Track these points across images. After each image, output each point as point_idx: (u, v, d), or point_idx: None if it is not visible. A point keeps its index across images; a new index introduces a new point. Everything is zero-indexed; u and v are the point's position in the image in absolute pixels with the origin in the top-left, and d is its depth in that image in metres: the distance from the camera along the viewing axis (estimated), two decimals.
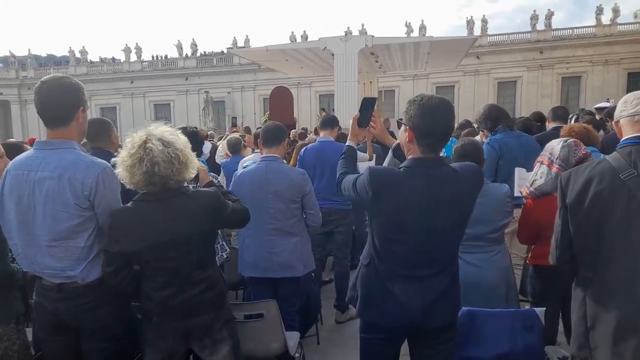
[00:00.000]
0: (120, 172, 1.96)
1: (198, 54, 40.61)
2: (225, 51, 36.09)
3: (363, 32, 31.50)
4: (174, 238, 1.95)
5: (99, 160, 2.02)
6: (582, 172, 1.79)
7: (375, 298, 1.98)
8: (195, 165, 2.09)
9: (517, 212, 2.93)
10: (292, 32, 37.16)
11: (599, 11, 32.24)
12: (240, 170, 3.35)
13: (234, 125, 13.62)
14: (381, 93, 23.03)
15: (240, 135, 6.60)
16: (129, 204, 2.02)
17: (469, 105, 31.83)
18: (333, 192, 4.12)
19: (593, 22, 32.64)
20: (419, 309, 1.90)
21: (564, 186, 1.82)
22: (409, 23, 34.66)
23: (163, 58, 41.89)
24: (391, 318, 1.94)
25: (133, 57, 40.71)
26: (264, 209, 3.06)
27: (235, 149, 5.45)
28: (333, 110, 16.29)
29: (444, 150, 2.74)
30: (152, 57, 42.59)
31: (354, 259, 5.26)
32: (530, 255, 2.84)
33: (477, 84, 34.01)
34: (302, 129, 11.77)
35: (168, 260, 1.96)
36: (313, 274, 3.92)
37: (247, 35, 38.62)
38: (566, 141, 2.73)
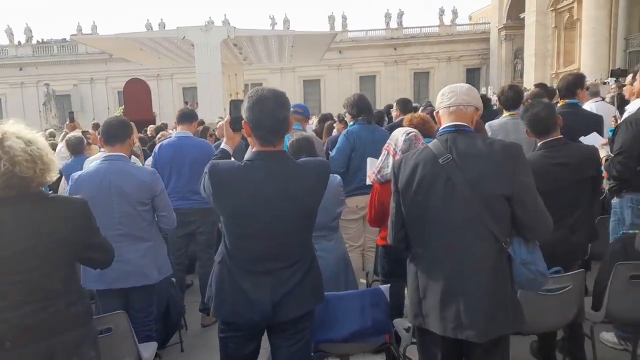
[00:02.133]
0: None
1: (34, 42, 35.47)
2: (69, 38, 32.19)
3: (226, 22, 30.86)
4: (23, 249, 1.72)
5: None
6: (410, 159, 1.97)
7: (227, 295, 1.95)
8: (57, 167, 1.87)
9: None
10: (148, 20, 34.69)
11: (441, 12, 36.38)
12: (77, 172, 2.96)
13: (72, 120, 12.09)
14: (247, 86, 22.83)
15: (83, 132, 5.88)
16: None
17: (334, 98, 33.39)
18: (192, 190, 3.96)
19: (437, 22, 36.68)
20: (268, 304, 1.89)
21: (396, 172, 2.00)
22: (273, 16, 35.03)
23: None
24: (243, 315, 1.93)
25: None
26: (108, 214, 2.75)
27: (77, 149, 4.78)
28: (197, 104, 15.65)
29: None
30: None
31: None
32: (379, 237, 3.06)
33: (340, 77, 35.85)
34: (163, 123, 11.06)
35: (20, 274, 1.73)
36: (174, 279, 3.70)
37: (93, 21, 35.02)
38: (408, 134, 2.94)
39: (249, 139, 1.97)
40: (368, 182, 3.33)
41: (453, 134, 1.91)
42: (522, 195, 1.82)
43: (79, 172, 2.94)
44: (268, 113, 1.85)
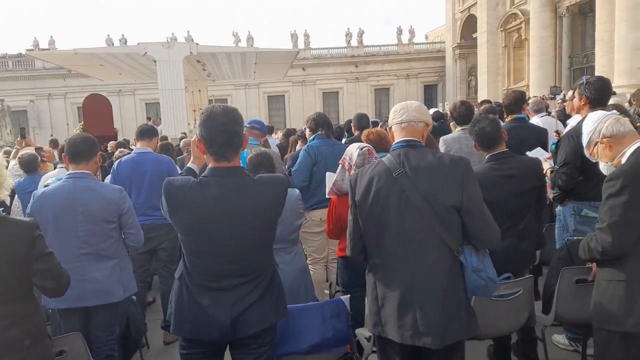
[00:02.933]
0: None
1: None
2: (24, 53, 31.01)
3: (189, 39, 30.63)
4: None
5: None
6: (365, 173, 2.04)
7: (186, 312, 1.93)
8: (9, 185, 1.84)
9: None
10: (109, 35, 33.80)
11: (399, 32, 37.47)
12: (40, 190, 2.87)
13: (23, 137, 11.57)
14: (212, 102, 22.63)
15: (36, 149, 5.67)
16: None
17: (298, 113, 33.58)
18: (152, 206, 3.91)
19: (396, 41, 37.76)
20: (227, 320, 1.87)
21: (352, 185, 2.06)
22: (237, 33, 35.00)
23: None
24: (202, 332, 1.91)
25: None
26: (72, 232, 2.69)
27: (31, 166, 4.60)
28: (159, 119, 15.38)
29: None
30: None
31: None
32: (338, 248, 3.11)
33: (304, 93, 36.15)
34: (124, 139, 10.82)
35: None
36: (134, 297, 3.61)
37: (51, 36, 33.83)
38: (362, 149, 3.03)
39: (204, 156, 1.97)
40: (327, 195, 3.39)
41: (405, 148, 2.00)
42: (469, 206, 1.91)
43: (43, 189, 2.85)
44: (219, 128, 1.86)
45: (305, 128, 4.68)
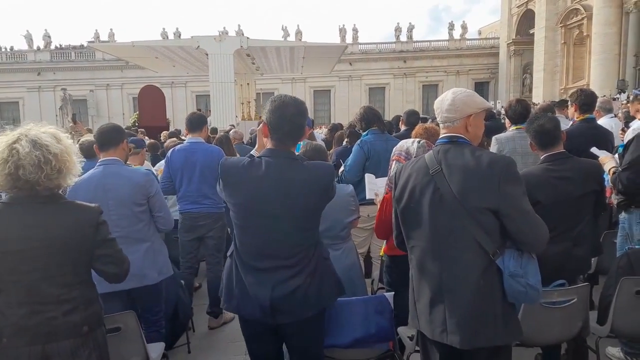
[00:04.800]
0: None
1: (52, 47, 36.16)
2: (86, 45, 32.77)
3: (239, 33, 31.24)
4: (25, 250, 1.76)
5: None
6: (406, 168, 2.02)
7: (234, 289, 2.03)
8: (77, 171, 1.92)
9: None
10: (164, 29, 35.11)
11: (451, 27, 36.56)
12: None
13: (75, 122, 12.16)
14: (259, 95, 23.05)
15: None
16: None
17: (344, 108, 33.61)
18: (203, 194, 4.04)
19: (447, 36, 36.85)
20: (267, 301, 1.95)
21: (395, 179, 2.06)
22: (285, 27, 35.38)
23: (8, 50, 36.44)
24: (246, 310, 2.01)
25: None
26: (104, 217, 2.81)
27: (90, 152, 4.85)
28: (209, 111, 15.83)
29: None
30: None
31: None
32: (385, 246, 3.07)
33: (350, 88, 36.05)
34: (176, 129, 11.23)
35: (21, 274, 1.77)
36: (183, 281, 3.75)
37: (111, 29, 35.34)
38: (419, 142, 2.98)
39: (265, 140, 2.08)
40: (368, 197, 3.36)
41: (445, 145, 1.94)
42: (507, 210, 1.81)
43: (77, 178, 3.00)
44: (288, 118, 1.98)
45: (354, 124, 4.64)
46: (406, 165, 2.05)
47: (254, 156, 2.17)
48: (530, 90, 29.60)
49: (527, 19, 30.48)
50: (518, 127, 3.69)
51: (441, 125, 2.00)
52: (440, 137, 2.00)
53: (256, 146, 2.31)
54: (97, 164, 2.94)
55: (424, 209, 1.90)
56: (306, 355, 2.12)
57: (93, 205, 1.98)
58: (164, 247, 3.14)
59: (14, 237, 1.77)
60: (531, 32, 29.26)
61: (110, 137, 2.94)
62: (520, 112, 3.78)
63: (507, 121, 4.22)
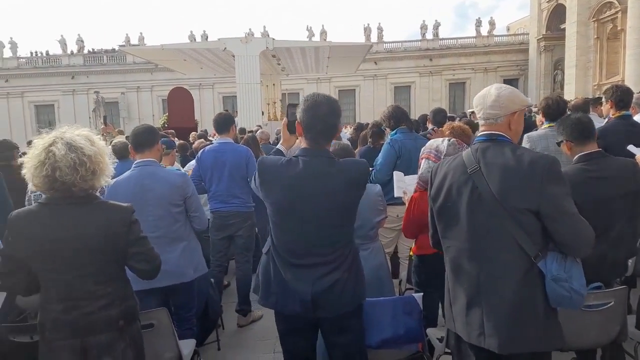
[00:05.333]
0: (25, 172, 1.88)
1: (85, 51, 37.34)
2: (117, 49, 33.69)
3: (265, 34, 31.50)
4: (62, 248, 1.83)
5: None
6: (443, 166, 1.98)
7: (272, 285, 2.05)
8: (110, 172, 1.98)
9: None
10: (192, 32, 35.80)
11: (478, 23, 35.85)
12: (112, 179, 3.09)
13: (106, 124, 12.49)
14: (285, 95, 23.21)
15: (127, 137, 6.11)
16: (32, 206, 1.95)
17: (369, 107, 33.43)
18: (232, 194, 4.10)
19: (474, 33, 36.16)
20: (308, 296, 1.97)
21: (431, 178, 2.02)
22: (310, 27, 35.49)
23: (44, 55, 37.83)
24: (286, 305, 2.03)
25: (7, 53, 36.33)
26: (143, 217, 2.86)
27: (123, 154, 4.96)
28: (236, 112, 16.03)
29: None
30: (31, 53, 38.33)
31: (256, 262, 5.22)
32: (414, 245, 3.04)
33: (376, 87, 35.82)
34: (203, 130, 11.42)
35: (59, 272, 1.85)
36: (213, 279, 3.82)
37: (141, 33, 36.38)
38: (450, 140, 2.95)
39: (299, 139, 2.11)
40: (396, 195, 3.33)
41: (485, 143, 1.89)
42: (550, 211, 1.74)
43: (115, 179, 3.08)
44: (321, 118, 2.00)
45: (383, 125, 4.61)
46: (442, 163, 2.00)
47: (281, 150, 2.23)
48: (562, 87, 28.71)
49: (557, 14, 29.59)
50: (551, 124, 3.59)
51: (481, 122, 1.93)
52: (480, 134, 1.94)
53: (281, 140, 2.32)
54: (134, 165, 3.00)
55: (461, 208, 1.86)
56: (348, 353, 2.11)
57: (126, 204, 2.02)
58: (199, 245, 3.20)
59: (51, 237, 1.83)
60: (562, 27, 28.37)
61: (145, 138, 3.00)
62: (556, 109, 3.66)
63: (538, 119, 4.12)
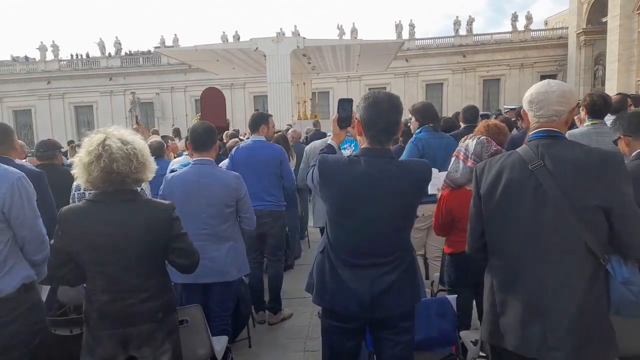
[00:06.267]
0: (77, 171, 1.96)
1: (122, 53, 38.60)
2: (152, 50, 34.64)
3: (295, 33, 31.66)
4: (108, 243, 1.93)
5: (12, 169, 1.99)
6: (495, 163, 1.85)
7: (327, 284, 2.03)
8: (153, 168, 2.08)
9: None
10: (224, 32, 36.43)
11: (514, 18, 34.84)
12: (170, 174, 3.19)
13: (138, 124, 12.79)
14: (315, 94, 23.24)
15: (163, 137, 6.27)
16: (81, 202, 2.03)
17: None
18: (267, 192, 4.12)
19: (509, 28, 35.18)
20: (367, 296, 1.95)
21: (478, 176, 1.89)
22: (341, 25, 35.42)
23: (84, 57, 39.32)
24: (342, 304, 2.00)
25: (49, 56, 37.93)
26: (195, 214, 2.94)
27: (159, 152, 5.08)
28: (267, 111, 16.19)
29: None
30: (71, 55, 39.89)
31: (287, 261, 5.25)
32: (445, 244, 2.98)
33: (407, 85, 35.37)
34: (234, 129, 11.56)
35: (104, 265, 1.94)
36: (244, 277, 3.85)
37: (175, 34, 37.40)
38: (479, 138, 2.89)
39: (358, 138, 2.08)
40: (430, 192, 3.27)
41: (546, 140, 1.78)
42: (622, 209, 1.65)
43: (172, 174, 3.17)
44: (382, 115, 1.96)
45: (410, 118, 4.54)
46: (491, 161, 1.88)
47: (332, 146, 2.23)
48: (603, 83, 27.53)
49: (598, 7, 28.40)
50: (594, 122, 3.43)
51: (540, 120, 1.81)
52: (535, 130, 1.83)
53: (331, 136, 2.31)
54: (192, 162, 3.10)
55: (521, 208, 1.74)
56: (399, 354, 2.06)
57: (167, 202, 2.12)
58: (243, 246, 3.26)
59: (98, 232, 1.92)
60: (604, 20, 27.19)
61: (207, 138, 3.09)
62: (603, 105, 3.49)
63: (580, 116, 3.94)
